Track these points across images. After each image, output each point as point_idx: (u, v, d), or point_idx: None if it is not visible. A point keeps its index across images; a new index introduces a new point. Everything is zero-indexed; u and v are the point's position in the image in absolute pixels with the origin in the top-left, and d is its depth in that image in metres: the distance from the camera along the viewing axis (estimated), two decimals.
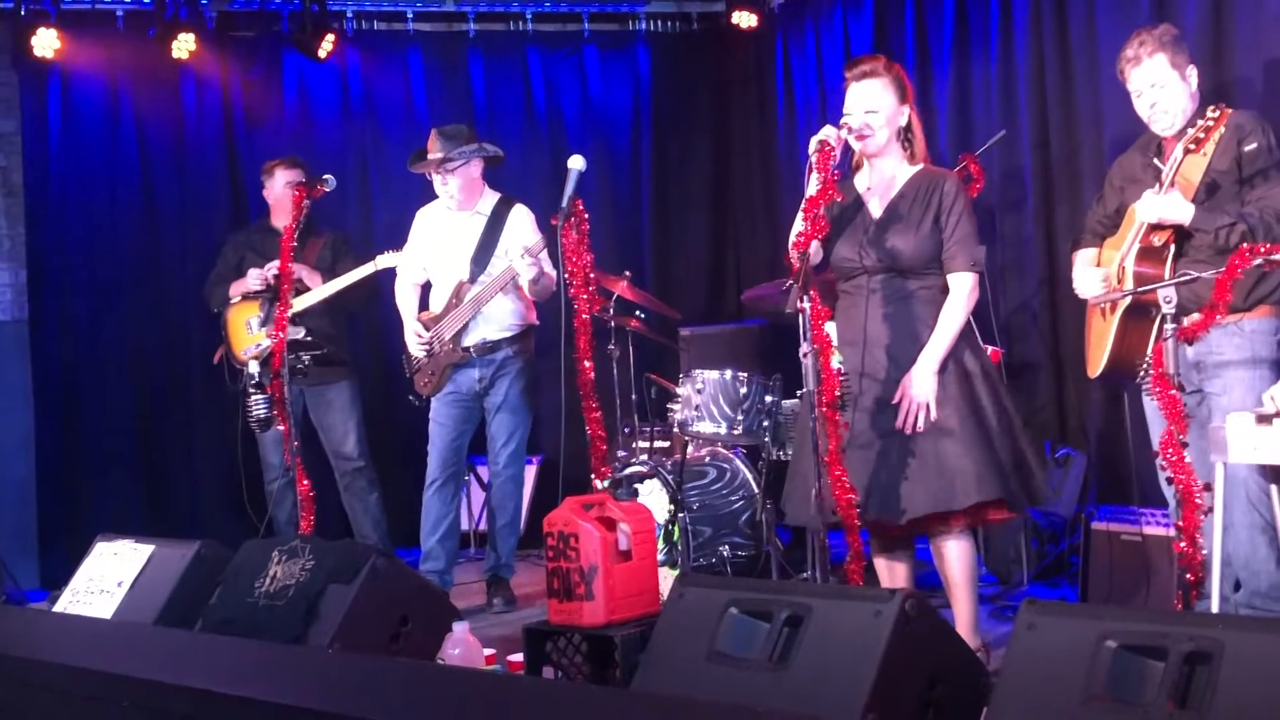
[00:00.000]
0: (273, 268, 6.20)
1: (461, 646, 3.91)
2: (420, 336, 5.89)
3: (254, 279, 6.34)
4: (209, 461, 7.49)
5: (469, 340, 5.86)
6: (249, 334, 6.37)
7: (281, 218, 6.46)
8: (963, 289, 4.30)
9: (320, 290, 6.32)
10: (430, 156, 5.85)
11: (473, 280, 5.81)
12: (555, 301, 4.58)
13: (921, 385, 4.20)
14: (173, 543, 4.70)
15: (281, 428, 5.12)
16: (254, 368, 5.31)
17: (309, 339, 6.10)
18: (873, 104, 4.33)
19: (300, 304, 6.27)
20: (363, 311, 6.83)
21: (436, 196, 6.01)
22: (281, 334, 5.04)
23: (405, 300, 6.08)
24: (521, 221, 5.90)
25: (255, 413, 5.25)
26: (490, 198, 5.99)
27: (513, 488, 6.04)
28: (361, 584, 3.99)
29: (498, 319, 5.87)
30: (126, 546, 4.74)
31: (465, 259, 5.87)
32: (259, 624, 4.05)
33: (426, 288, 6.06)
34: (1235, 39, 5.16)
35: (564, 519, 3.98)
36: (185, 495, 7.52)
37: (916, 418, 4.19)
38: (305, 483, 5.01)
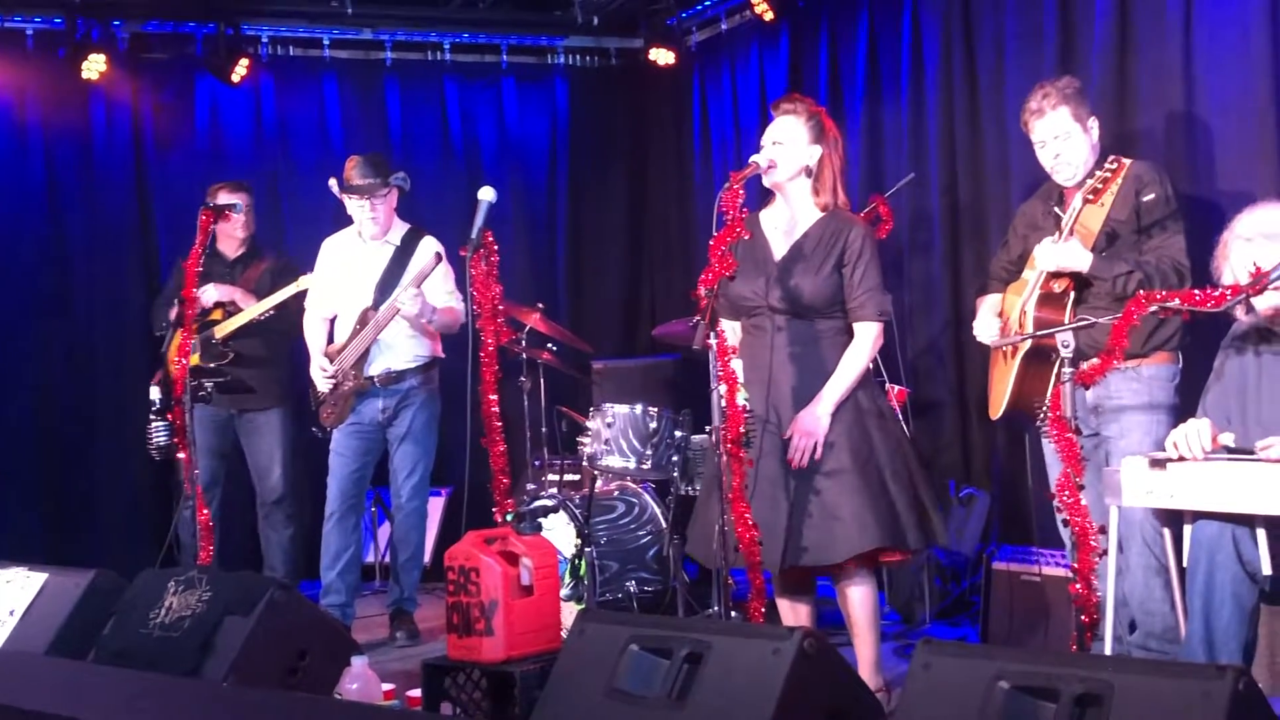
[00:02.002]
0: (208, 290, 6.13)
1: (360, 681, 3.86)
2: (325, 370, 5.80)
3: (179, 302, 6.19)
4: (115, 488, 7.36)
5: (373, 369, 5.79)
6: None
7: (227, 241, 6.38)
8: (868, 337, 4.35)
9: (246, 313, 6.22)
10: (365, 181, 5.74)
11: (376, 307, 5.74)
12: (463, 333, 4.56)
13: (813, 423, 4.24)
14: (67, 571, 4.59)
15: (182, 455, 5.04)
16: (154, 394, 5.23)
17: (213, 366, 6.01)
18: (781, 136, 4.39)
19: (226, 328, 6.18)
20: (298, 335, 6.64)
21: (348, 224, 5.94)
22: (184, 360, 4.96)
23: (313, 333, 5.99)
24: (429, 252, 5.83)
25: (155, 440, 5.16)
26: (400, 228, 5.94)
27: (416, 520, 5.98)
28: (259, 617, 3.92)
29: (403, 349, 5.82)
30: (19, 574, 4.63)
31: (371, 286, 5.80)
32: (153, 656, 3.97)
33: (335, 322, 5.99)
34: (1138, 90, 5.28)
35: (465, 553, 3.94)
36: (90, 521, 7.36)
37: (804, 454, 4.21)
38: (205, 512, 4.94)
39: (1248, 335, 3.91)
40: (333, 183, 5.83)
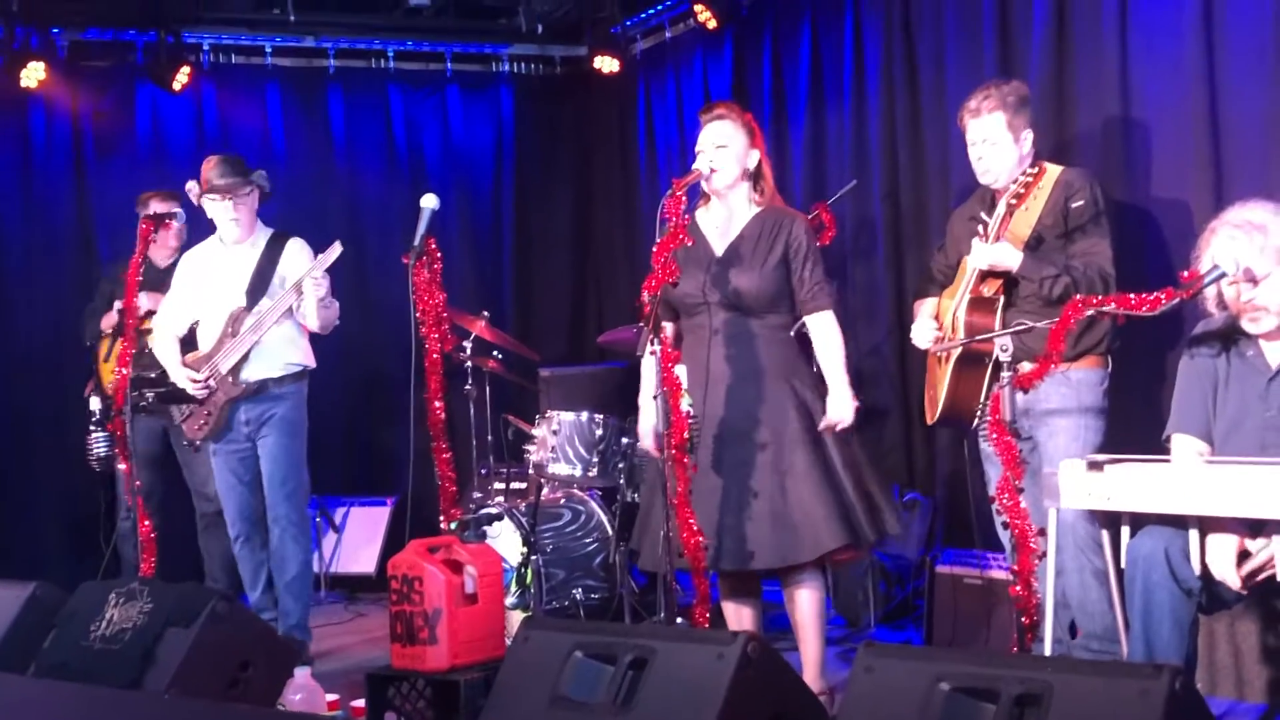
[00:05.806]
0: (141, 299, 6.01)
1: (303, 692, 3.85)
2: (195, 379, 5.50)
3: (119, 312, 6.09)
4: (55, 499, 7.29)
5: (247, 373, 5.51)
6: None
7: (159, 250, 6.31)
8: (831, 324, 4.43)
9: None
10: (225, 181, 5.54)
11: (250, 309, 5.50)
12: (406, 341, 4.54)
13: (845, 408, 4.36)
14: (6, 583, 4.53)
15: (123, 466, 4.98)
16: (95, 404, 5.18)
17: (153, 375, 5.95)
18: (723, 140, 4.41)
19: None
20: None
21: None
22: (125, 370, 4.91)
23: (167, 351, 5.63)
24: (298, 254, 5.62)
25: (95, 451, 5.10)
26: (264, 232, 5.71)
27: (296, 533, 5.61)
28: (201, 628, 3.89)
29: (277, 355, 5.55)
30: None
31: (240, 290, 5.55)
32: (94, 668, 3.93)
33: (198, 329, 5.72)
34: (1075, 97, 5.34)
35: (408, 562, 3.93)
36: (29, 533, 7.28)
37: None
38: (146, 523, 4.88)
39: (1209, 339, 3.89)
40: (191, 185, 5.61)
